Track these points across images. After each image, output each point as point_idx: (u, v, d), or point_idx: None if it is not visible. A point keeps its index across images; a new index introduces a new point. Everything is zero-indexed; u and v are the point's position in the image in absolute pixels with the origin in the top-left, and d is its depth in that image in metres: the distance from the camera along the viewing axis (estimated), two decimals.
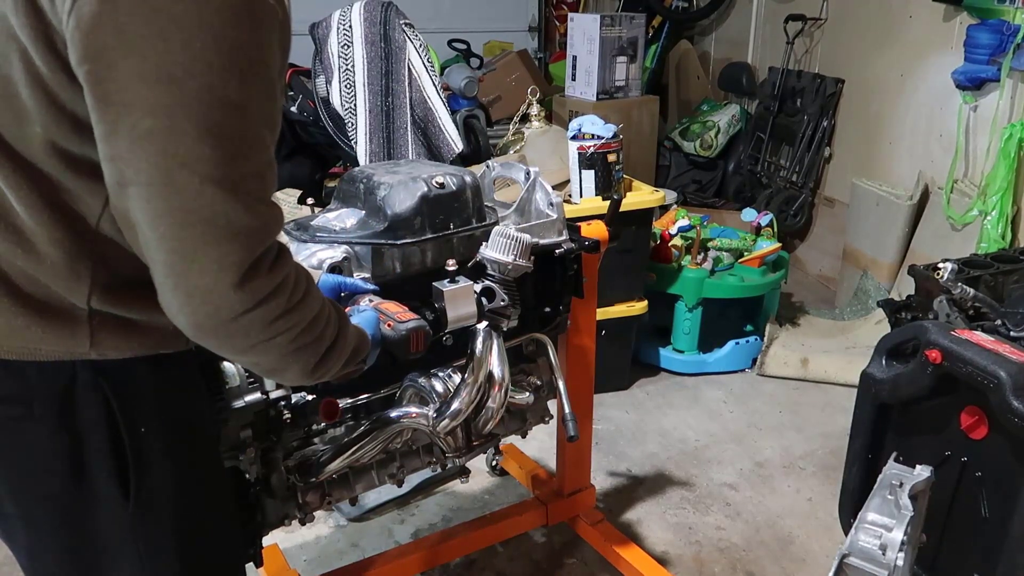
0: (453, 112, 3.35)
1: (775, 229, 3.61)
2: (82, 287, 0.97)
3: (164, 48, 0.82)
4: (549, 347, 1.85)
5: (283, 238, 1.54)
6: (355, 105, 3.10)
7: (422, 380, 1.58)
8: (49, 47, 0.87)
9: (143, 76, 0.83)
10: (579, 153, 2.91)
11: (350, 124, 3.11)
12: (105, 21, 0.81)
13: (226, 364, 1.40)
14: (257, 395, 1.43)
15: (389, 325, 1.33)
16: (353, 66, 3.10)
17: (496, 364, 1.55)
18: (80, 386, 1.00)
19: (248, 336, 0.93)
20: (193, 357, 1.10)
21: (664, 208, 3.49)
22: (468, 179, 1.66)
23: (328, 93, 3.16)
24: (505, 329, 1.61)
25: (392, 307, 1.38)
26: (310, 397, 1.49)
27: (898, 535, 1.40)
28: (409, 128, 3.12)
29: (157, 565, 1.09)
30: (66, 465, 1.01)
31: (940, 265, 2.11)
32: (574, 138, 2.94)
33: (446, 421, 1.51)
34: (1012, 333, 1.91)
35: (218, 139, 0.86)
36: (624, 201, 2.15)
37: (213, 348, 0.96)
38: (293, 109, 3.59)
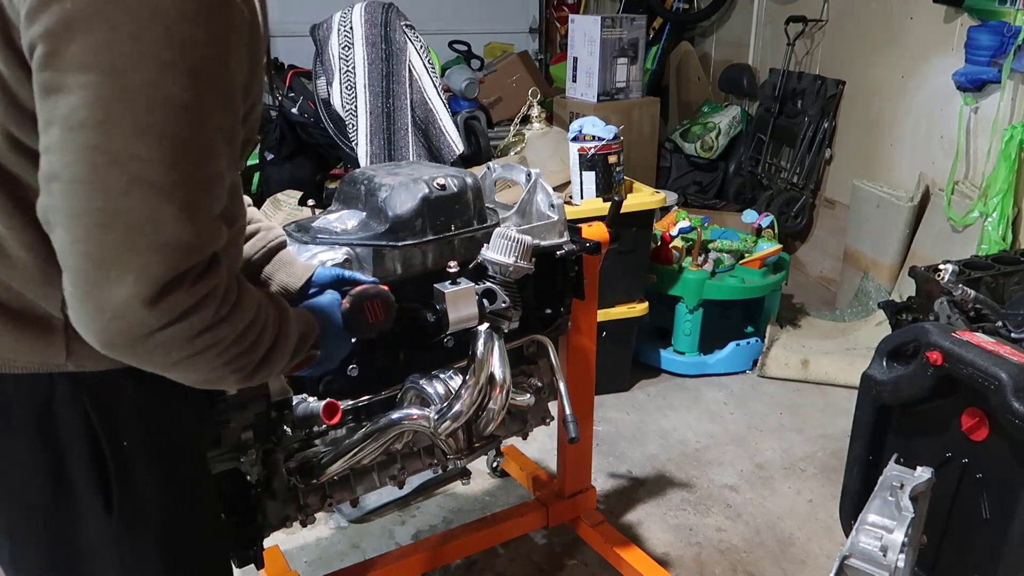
0: (454, 113, 3.35)
1: (776, 231, 3.61)
2: (56, 293, 0.91)
3: (110, 37, 0.78)
4: (550, 348, 1.85)
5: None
6: (356, 106, 3.10)
7: (423, 382, 1.58)
8: (7, 43, 0.83)
9: (84, 64, 0.78)
10: (580, 154, 2.91)
11: (351, 125, 3.11)
12: (54, 7, 0.78)
13: None
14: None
15: (346, 303, 1.26)
16: (354, 67, 3.10)
17: (497, 366, 1.55)
18: (59, 399, 0.97)
19: (169, 353, 0.87)
20: None
21: (665, 210, 3.49)
22: (469, 180, 1.66)
23: (329, 94, 3.17)
24: (506, 331, 1.62)
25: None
26: (312, 399, 1.49)
27: (899, 536, 1.40)
28: (410, 129, 3.12)
29: None
30: (47, 479, 0.99)
31: (941, 267, 2.11)
32: (575, 139, 2.94)
33: (447, 423, 1.51)
34: (1013, 335, 1.91)
35: (157, 140, 0.80)
36: (625, 203, 2.16)
37: (133, 364, 0.89)
38: (294, 110, 3.59)
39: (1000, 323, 1.98)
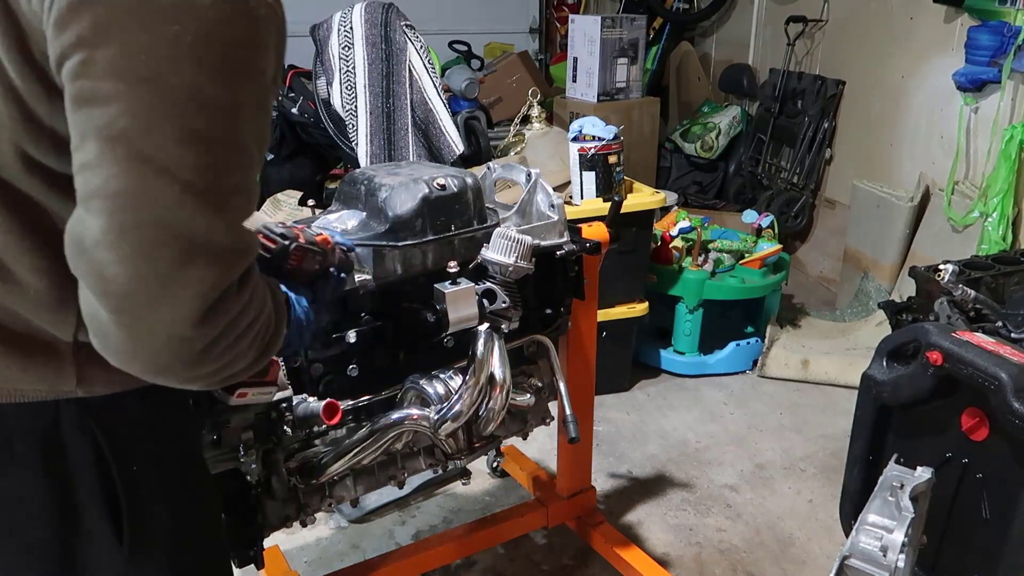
0: (454, 114, 3.35)
1: (776, 231, 3.61)
2: (68, 319, 0.87)
3: (148, 41, 0.73)
4: (550, 349, 1.85)
5: None
6: (356, 106, 3.10)
7: (423, 382, 1.58)
8: (24, 56, 0.79)
9: (121, 71, 0.73)
10: (580, 155, 2.91)
11: (351, 125, 3.12)
12: (83, 12, 0.73)
13: None
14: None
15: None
16: (354, 67, 3.10)
17: (497, 366, 1.55)
18: (65, 426, 0.92)
19: (220, 360, 0.83)
20: None
21: (665, 210, 3.49)
22: (469, 181, 1.66)
23: (329, 94, 3.17)
24: (506, 331, 1.62)
25: None
26: (312, 399, 1.50)
27: (899, 537, 1.40)
28: (410, 130, 3.12)
29: None
30: (54, 510, 0.94)
31: (941, 267, 2.11)
32: (575, 140, 2.94)
33: (447, 423, 1.51)
34: (1013, 335, 1.92)
35: (203, 145, 0.77)
36: (625, 203, 2.16)
37: (176, 385, 0.85)
38: (294, 110, 3.59)
39: (1000, 323, 1.98)
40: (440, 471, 1.92)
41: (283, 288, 1.16)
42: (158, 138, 0.74)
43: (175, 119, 0.75)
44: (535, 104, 3.43)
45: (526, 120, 3.46)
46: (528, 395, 1.84)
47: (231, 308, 0.81)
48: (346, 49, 3.10)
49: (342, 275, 1.30)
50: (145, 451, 0.99)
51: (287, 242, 1.17)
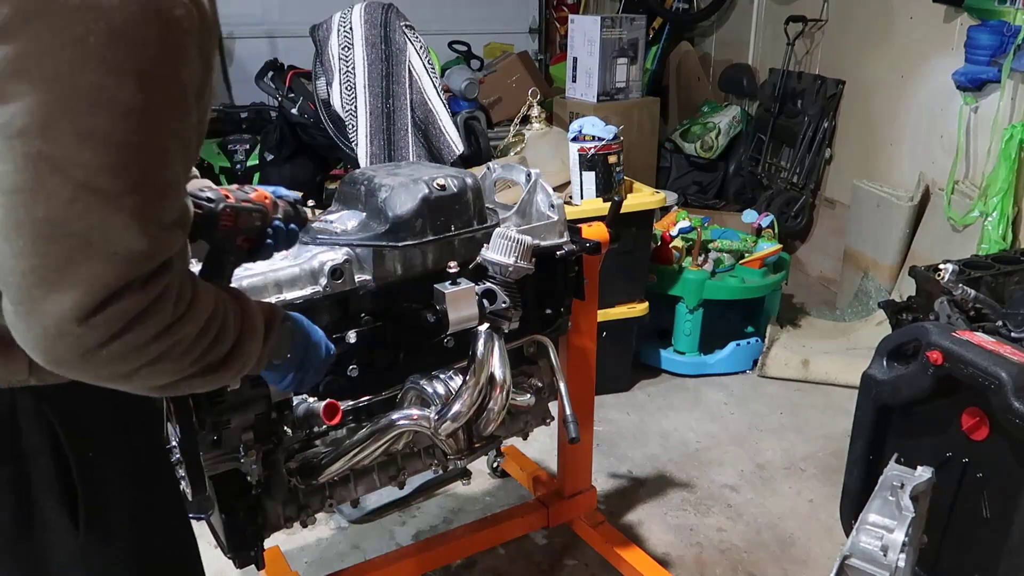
0: (454, 114, 3.35)
1: (776, 230, 3.61)
2: None
3: (52, 41, 0.74)
4: (550, 349, 1.85)
5: None
6: (356, 107, 3.11)
7: (423, 382, 1.58)
8: None
9: (24, 70, 0.74)
10: (580, 155, 2.91)
11: (351, 126, 3.12)
12: None
13: None
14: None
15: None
16: (354, 68, 3.10)
17: (497, 366, 1.55)
18: (21, 414, 0.94)
19: (125, 362, 0.83)
20: None
21: (665, 210, 3.49)
22: (469, 181, 1.66)
23: (329, 95, 3.17)
24: (506, 331, 1.62)
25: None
26: (312, 400, 1.50)
27: (899, 536, 1.40)
28: (410, 130, 3.13)
29: None
30: (10, 497, 0.96)
31: (941, 266, 2.11)
32: (575, 140, 2.94)
33: (447, 423, 1.51)
34: (1013, 334, 1.91)
35: (104, 145, 0.77)
36: (625, 203, 2.16)
37: (88, 381, 0.85)
38: (294, 111, 3.60)
39: (1000, 323, 1.98)
40: (440, 471, 1.92)
41: (309, 326, 1.17)
42: (57, 136, 0.75)
43: (75, 118, 0.75)
44: (535, 104, 3.43)
45: (526, 120, 3.45)
46: (528, 395, 1.84)
47: (129, 308, 0.80)
48: (346, 49, 3.10)
49: (291, 226, 1.28)
50: (101, 437, 1.00)
51: (213, 204, 1.13)
